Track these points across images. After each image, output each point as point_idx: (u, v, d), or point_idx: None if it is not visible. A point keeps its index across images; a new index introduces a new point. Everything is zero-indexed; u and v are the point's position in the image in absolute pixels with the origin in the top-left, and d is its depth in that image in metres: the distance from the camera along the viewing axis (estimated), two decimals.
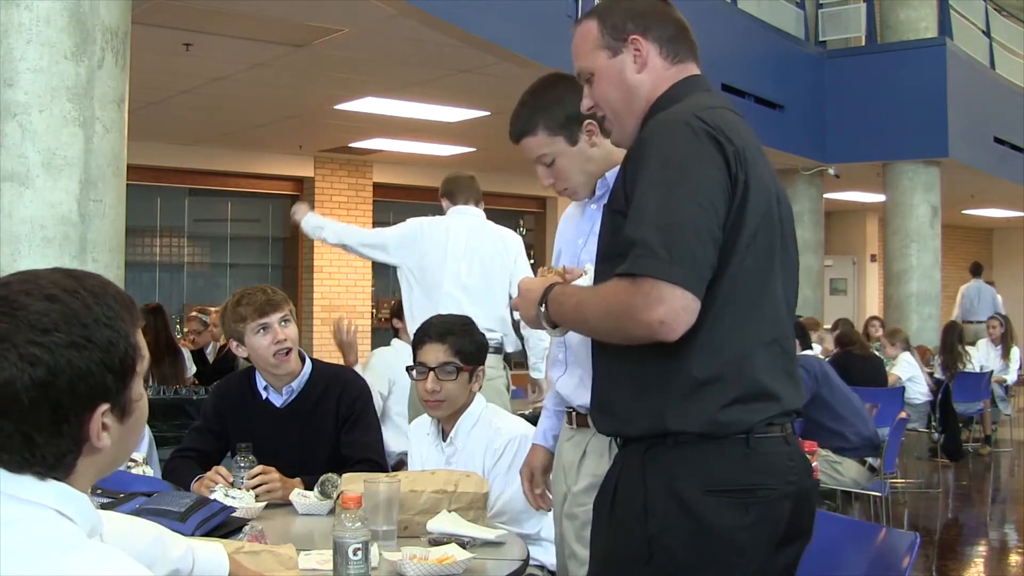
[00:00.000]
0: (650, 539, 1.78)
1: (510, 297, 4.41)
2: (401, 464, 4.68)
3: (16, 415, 1.17)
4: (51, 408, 1.18)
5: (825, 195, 11.82)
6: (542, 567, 2.92)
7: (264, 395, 3.13)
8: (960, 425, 9.01)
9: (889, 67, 10.74)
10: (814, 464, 2.10)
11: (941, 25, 11.02)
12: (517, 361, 5.19)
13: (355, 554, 1.89)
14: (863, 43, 11.36)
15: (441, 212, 4.80)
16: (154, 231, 11.46)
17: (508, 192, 11.96)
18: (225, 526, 2.39)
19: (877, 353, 8.57)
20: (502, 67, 7.17)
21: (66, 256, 3.84)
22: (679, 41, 2.00)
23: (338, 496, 2.27)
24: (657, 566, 1.78)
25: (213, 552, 1.74)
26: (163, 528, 1.73)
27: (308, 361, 3.15)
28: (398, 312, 5.75)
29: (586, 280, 2.05)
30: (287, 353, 3.04)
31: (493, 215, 4.90)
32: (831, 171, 11.14)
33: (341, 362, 5.01)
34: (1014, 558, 6.21)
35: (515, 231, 4.92)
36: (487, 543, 2.34)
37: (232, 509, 2.51)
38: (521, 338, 4.72)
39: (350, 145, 11.06)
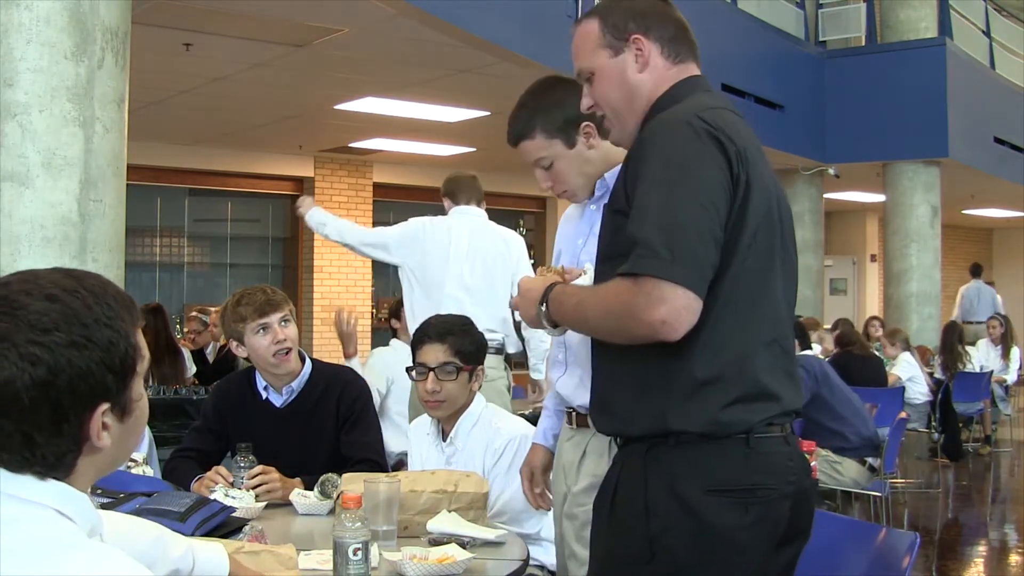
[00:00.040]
0: (651, 539, 1.78)
1: (511, 298, 4.41)
2: (400, 464, 4.68)
3: (16, 415, 1.17)
4: (51, 408, 1.18)
5: (825, 195, 11.82)
6: (542, 567, 2.92)
7: (264, 395, 3.13)
8: (960, 425, 9.01)
9: (889, 67, 10.74)
10: (813, 464, 2.11)
11: (941, 25, 11.02)
12: (517, 361, 5.19)
13: (355, 554, 1.89)
14: (863, 43, 11.36)
15: (442, 212, 4.80)
16: (154, 231, 11.46)
17: (508, 192, 11.96)
18: (225, 526, 2.39)
19: (877, 353, 8.57)
20: (502, 67, 7.17)
21: (66, 256, 3.84)
22: (680, 41, 2.00)
23: (338, 496, 2.27)
24: (658, 566, 1.78)
25: (213, 552, 1.74)
26: (163, 528, 1.73)
27: (308, 361, 3.15)
28: (396, 312, 5.76)
29: (586, 280, 2.06)
30: (287, 353, 3.04)
31: (493, 215, 4.90)
32: (831, 171, 11.14)
33: (341, 361, 5.02)
34: (1014, 558, 6.21)
35: (515, 231, 4.91)
36: (487, 543, 2.34)
37: (232, 509, 2.51)
38: (522, 339, 4.72)
39: (350, 145, 11.07)
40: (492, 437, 2.96)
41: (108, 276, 1.31)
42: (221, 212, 11.99)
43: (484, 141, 10.13)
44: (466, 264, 4.51)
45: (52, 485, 1.20)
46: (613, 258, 1.84)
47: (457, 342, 2.99)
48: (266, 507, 2.71)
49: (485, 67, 7.37)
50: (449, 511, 2.43)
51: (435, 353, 2.96)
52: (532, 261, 4.74)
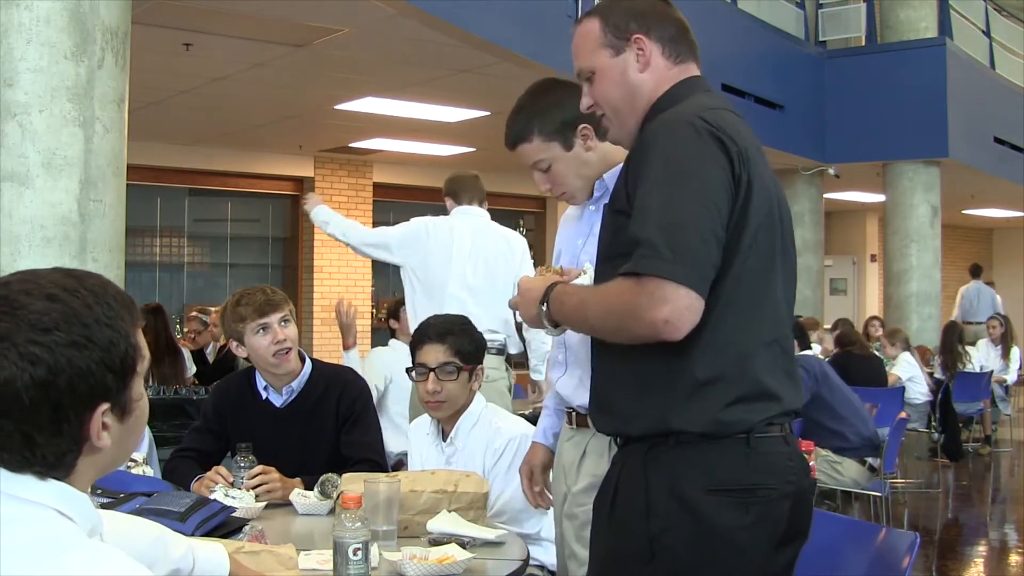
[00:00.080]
0: (652, 538, 1.78)
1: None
2: (400, 464, 4.68)
3: (16, 414, 1.17)
4: (51, 407, 1.18)
5: (825, 195, 11.82)
6: (542, 567, 2.92)
7: (264, 395, 3.13)
8: (960, 425, 9.01)
9: (889, 67, 10.74)
10: (811, 464, 2.11)
11: (941, 25, 11.02)
12: (517, 361, 5.19)
13: (355, 554, 1.89)
14: (863, 43, 11.36)
15: (443, 211, 4.79)
16: (154, 231, 11.46)
17: (508, 192, 11.95)
18: (225, 526, 2.39)
19: (877, 353, 8.57)
20: (502, 67, 7.17)
21: (66, 256, 3.84)
22: (680, 41, 2.00)
23: (338, 496, 2.27)
24: (659, 565, 1.78)
25: (214, 552, 1.74)
26: (164, 528, 1.73)
27: (308, 361, 3.15)
28: (395, 313, 5.76)
29: (585, 280, 2.06)
30: (287, 353, 3.04)
31: (493, 215, 4.89)
32: (831, 171, 11.14)
33: (341, 359, 5.02)
34: (1014, 558, 6.21)
35: (516, 231, 4.91)
36: (487, 543, 2.34)
37: (232, 509, 2.51)
38: (523, 340, 4.72)
39: (350, 145, 11.07)
40: (492, 437, 2.96)
41: (108, 276, 1.31)
42: (221, 212, 11.99)
43: (484, 141, 10.13)
44: (469, 264, 4.50)
45: (52, 485, 1.20)
46: (614, 258, 1.85)
47: (457, 342, 2.99)
48: (266, 507, 2.71)
49: (485, 67, 7.37)
50: (449, 511, 2.43)
51: (435, 353, 2.96)
52: (532, 261, 4.73)
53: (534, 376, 4.95)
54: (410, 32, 6.50)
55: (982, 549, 6.49)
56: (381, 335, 6.04)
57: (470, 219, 4.65)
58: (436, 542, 2.26)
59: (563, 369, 2.46)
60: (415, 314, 4.53)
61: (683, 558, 1.78)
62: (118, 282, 1.32)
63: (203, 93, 8.41)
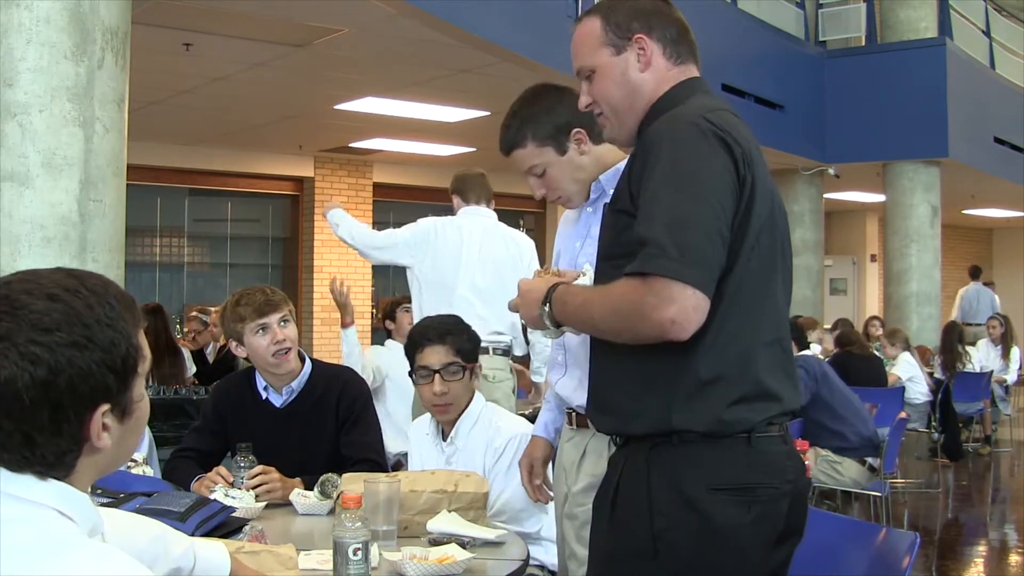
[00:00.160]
0: (655, 536, 1.78)
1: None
2: (399, 464, 4.69)
3: (16, 414, 1.17)
4: (51, 407, 1.18)
5: (825, 195, 11.81)
6: (542, 567, 2.92)
7: (264, 395, 3.13)
8: (960, 425, 9.01)
9: (889, 67, 10.74)
10: (807, 463, 2.12)
11: (941, 25, 11.02)
12: (517, 360, 5.19)
13: (355, 554, 1.89)
14: (863, 43, 11.36)
15: (445, 211, 4.78)
16: (154, 231, 11.46)
17: (508, 192, 11.93)
18: (225, 526, 2.39)
19: (877, 353, 8.57)
20: (502, 67, 7.17)
21: (66, 256, 3.84)
22: (681, 42, 2.01)
23: (338, 496, 2.27)
24: (661, 563, 1.79)
25: (214, 551, 1.74)
26: (165, 526, 1.72)
27: (308, 361, 3.15)
28: (391, 314, 5.76)
29: (585, 282, 2.06)
30: (286, 353, 3.04)
31: None
32: (831, 171, 11.14)
33: (340, 359, 5.02)
34: (1014, 558, 6.21)
35: (522, 233, 4.91)
36: (487, 543, 2.34)
37: (232, 509, 2.51)
38: (528, 342, 4.71)
39: (350, 145, 11.07)
40: (492, 436, 2.96)
41: (108, 276, 1.31)
42: (221, 212, 11.99)
43: (484, 141, 10.12)
44: (478, 266, 4.49)
45: (52, 485, 1.20)
46: (616, 257, 1.85)
47: (457, 341, 3.00)
48: (266, 507, 2.71)
49: (485, 67, 7.38)
50: (449, 511, 2.43)
51: (438, 355, 2.96)
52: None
53: (535, 378, 4.95)
54: (410, 32, 6.50)
55: (982, 549, 6.49)
56: (381, 336, 6.04)
57: (479, 220, 4.64)
58: (436, 542, 2.26)
59: (563, 370, 2.46)
60: (422, 315, 4.52)
61: (685, 556, 1.78)
62: (118, 282, 1.31)
63: (203, 93, 8.41)
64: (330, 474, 2.72)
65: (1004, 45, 12.73)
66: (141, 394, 1.28)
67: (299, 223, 12.24)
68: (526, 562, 2.27)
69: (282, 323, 3.05)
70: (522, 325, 4.49)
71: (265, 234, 12.32)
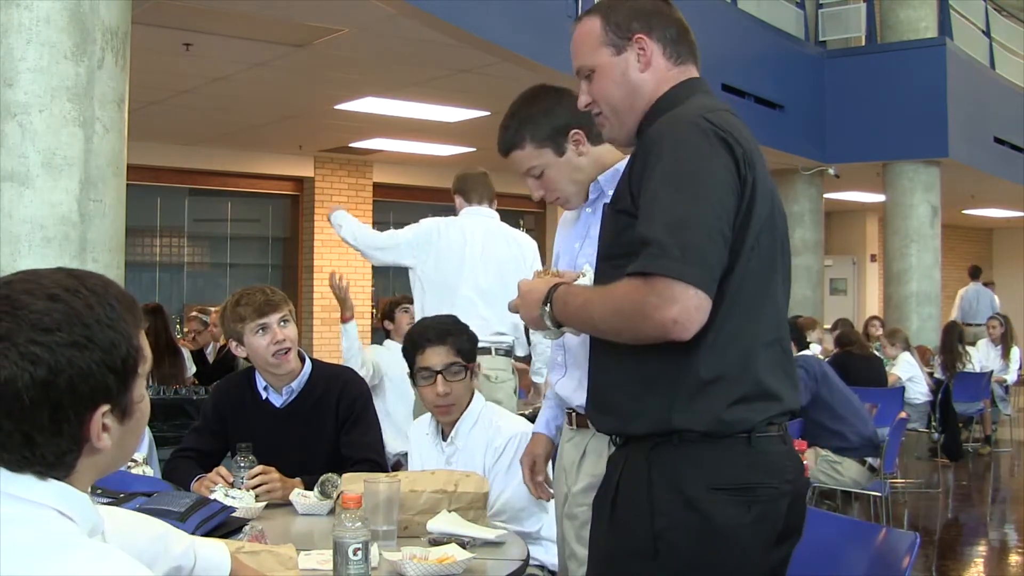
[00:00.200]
0: (655, 536, 1.78)
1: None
2: (398, 464, 4.68)
3: (16, 414, 1.17)
4: (51, 408, 1.18)
5: (825, 195, 11.81)
6: (542, 567, 2.92)
7: (264, 395, 3.13)
8: (960, 425, 9.01)
9: (889, 67, 10.74)
10: (805, 463, 2.12)
11: (941, 25, 11.02)
12: (518, 360, 5.19)
13: (355, 554, 1.89)
14: (863, 43, 11.35)
15: (445, 212, 4.77)
16: (154, 231, 11.46)
17: (508, 192, 11.90)
18: (225, 526, 2.39)
19: (877, 353, 8.57)
20: (502, 67, 7.17)
21: (66, 256, 3.84)
22: (681, 42, 2.01)
23: (338, 496, 2.27)
24: (661, 563, 1.79)
25: (215, 550, 1.74)
26: (165, 525, 1.72)
27: (308, 361, 3.15)
28: (389, 314, 5.76)
29: (585, 282, 2.06)
30: (286, 353, 3.04)
31: None
32: (831, 171, 11.14)
33: (340, 359, 5.02)
34: (1014, 558, 6.21)
35: (525, 233, 4.90)
36: (487, 543, 2.34)
37: (232, 509, 2.51)
38: (530, 343, 4.71)
39: (350, 145, 11.07)
40: (493, 436, 2.96)
41: (108, 276, 1.31)
42: (221, 212, 12.00)
43: (484, 141, 10.10)
44: (480, 267, 4.48)
45: (52, 485, 1.20)
46: (616, 257, 1.85)
47: (457, 341, 3.00)
48: (266, 507, 2.71)
49: (485, 67, 7.38)
50: (449, 511, 2.43)
51: (439, 355, 2.96)
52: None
53: (535, 379, 4.95)
54: (410, 32, 6.50)
55: (982, 549, 6.49)
56: (381, 336, 6.04)
57: (481, 221, 4.63)
58: (436, 542, 2.26)
59: (563, 371, 2.46)
60: (424, 316, 4.52)
61: (686, 556, 1.78)
62: (118, 282, 1.31)
63: (203, 93, 8.41)
64: (330, 474, 2.72)
65: (1004, 45, 12.73)
66: (142, 395, 1.28)
67: (299, 223, 12.24)
68: (526, 562, 2.28)
69: (282, 323, 3.05)
70: (524, 326, 4.49)
71: (265, 234, 12.32)
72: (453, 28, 6.30)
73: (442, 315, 3.24)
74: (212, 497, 2.59)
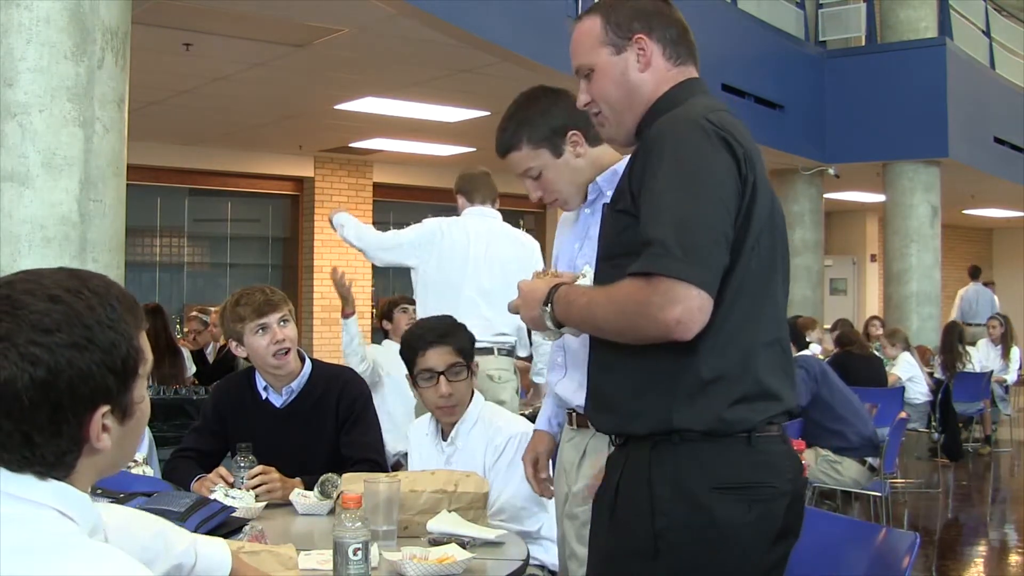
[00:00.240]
0: (656, 535, 1.78)
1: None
2: (399, 465, 4.68)
3: (16, 415, 1.17)
4: (51, 408, 1.18)
5: (825, 195, 11.81)
6: (542, 567, 2.92)
7: (264, 395, 3.13)
8: (960, 425, 9.01)
9: (889, 67, 10.74)
10: (804, 463, 2.13)
11: (941, 25, 11.02)
12: (520, 360, 5.19)
13: (355, 554, 1.89)
14: (863, 43, 11.36)
15: (445, 211, 4.77)
16: (154, 231, 11.46)
17: (509, 192, 11.91)
18: (225, 526, 2.39)
19: (877, 353, 8.57)
20: (502, 67, 7.17)
21: (66, 256, 3.84)
22: (681, 43, 2.01)
23: (338, 496, 2.27)
24: (662, 562, 1.79)
25: (216, 548, 1.74)
26: (166, 522, 1.72)
27: (308, 361, 3.15)
28: (388, 314, 5.76)
29: (585, 283, 2.06)
30: (286, 353, 3.04)
31: None
32: (831, 171, 11.14)
33: (341, 359, 5.02)
34: (1014, 558, 6.21)
35: (528, 234, 4.90)
36: (487, 543, 2.34)
37: (232, 509, 2.51)
38: (531, 343, 4.71)
39: (350, 145, 11.07)
40: (493, 435, 2.96)
41: (108, 276, 1.31)
42: (221, 212, 12.00)
43: (484, 141, 10.06)
44: (484, 267, 4.47)
45: (52, 485, 1.20)
46: (616, 257, 1.85)
47: (457, 341, 3.00)
48: (266, 507, 2.71)
49: (485, 67, 7.38)
50: (449, 511, 2.43)
51: (441, 356, 2.95)
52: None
53: (536, 379, 4.95)
54: (410, 32, 6.50)
55: (982, 549, 6.49)
56: (380, 336, 6.04)
57: (485, 221, 4.62)
58: (436, 542, 2.26)
59: (563, 372, 2.46)
60: (426, 316, 4.51)
61: (686, 555, 1.78)
62: (119, 282, 1.31)
63: (203, 93, 8.41)
64: (330, 474, 2.72)
65: (1004, 45, 12.73)
66: (142, 395, 1.28)
67: (299, 223, 12.24)
68: (526, 562, 2.28)
69: (282, 323, 3.05)
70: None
71: (265, 234, 12.33)
72: (453, 28, 6.30)
73: (438, 316, 3.23)
74: (212, 497, 2.59)
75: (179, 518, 2.27)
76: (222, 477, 2.82)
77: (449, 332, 3.01)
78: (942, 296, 11.26)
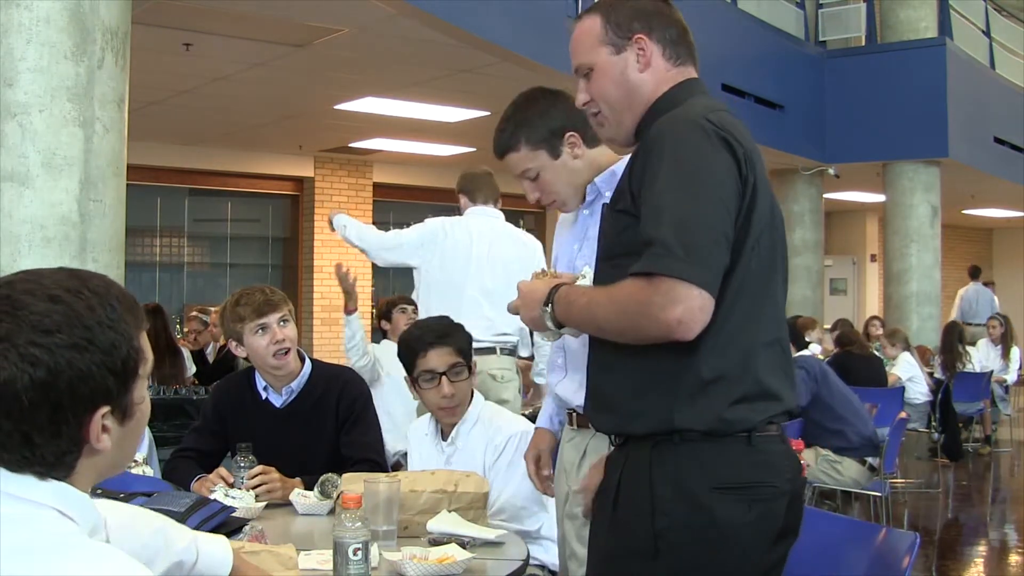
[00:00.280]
0: (656, 535, 1.78)
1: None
2: (399, 465, 4.68)
3: (16, 415, 1.17)
4: (51, 409, 1.18)
5: (825, 195, 11.81)
6: (543, 567, 2.92)
7: (264, 395, 3.13)
8: (960, 425, 9.01)
9: (889, 67, 10.74)
10: (803, 463, 2.14)
11: (941, 25, 11.02)
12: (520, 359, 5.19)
13: (355, 554, 1.89)
14: (863, 43, 11.36)
15: (445, 211, 4.76)
16: (154, 231, 11.46)
17: (509, 192, 11.92)
18: (225, 526, 2.39)
19: (877, 353, 8.57)
20: (502, 67, 7.17)
21: (66, 256, 3.84)
22: (681, 43, 2.01)
23: (338, 496, 2.27)
24: (662, 562, 1.79)
25: (217, 545, 1.73)
26: (168, 520, 1.72)
27: (308, 361, 3.15)
28: (387, 314, 5.76)
29: (584, 284, 2.06)
30: (286, 353, 3.04)
31: None
32: (831, 171, 11.14)
33: (342, 359, 5.02)
34: (1014, 558, 6.21)
35: (530, 234, 4.89)
36: (487, 543, 2.34)
37: (232, 509, 2.51)
38: (533, 343, 4.70)
39: (350, 145, 11.07)
40: (493, 435, 2.96)
41: (108, 276, 1.31)
42: (221, 212, 12.00)
43: (484, 141, 10.02)
44: (487, 267, 4.46)
45: (53, 485, 1.20)
46: (616, 257, 1.85)
47: (456, 341, 3.00)
48: (266, 507, 2.71)
49: (485, 67, 7.38)
50: (449, 511, 2.43)
51: (441, 357, 2.95)
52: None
53: (537, 380, 4.95)
54: (410, 32, 6.50)
55: (982, 549, 6.49)
56: (378, 336, 6.04)
57: (487, 221, 4.62)
58: (436, 542, 2.26)
59: (563, 373, 2.46)
60: (429, 315, 4.51)
61: (686, 555, 1.78)
62: (118, 282, 1.31)
63: (203, 93, 8.41)
64: (330, 474, 2.72)
65: (1004, 45, 12.73)
66: (142, 396, 1.28)
67: (299, 223, 12.24)
68: (526, 562, 2.28)
69: (281, 323, 3.05)
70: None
71: (265, 234, 12.33)
72: (453, 28, 6.30)
73: (435, 317, 3.23)
74: (212, 497, 2.59)
75: (179, 518, 2.27)
76: (222, 478, 2.82)
77: (448, 332, 3.01)
78: (942, 296, 11.27)
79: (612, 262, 1.87)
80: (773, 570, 1.87)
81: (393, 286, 11.90)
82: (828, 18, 11.27)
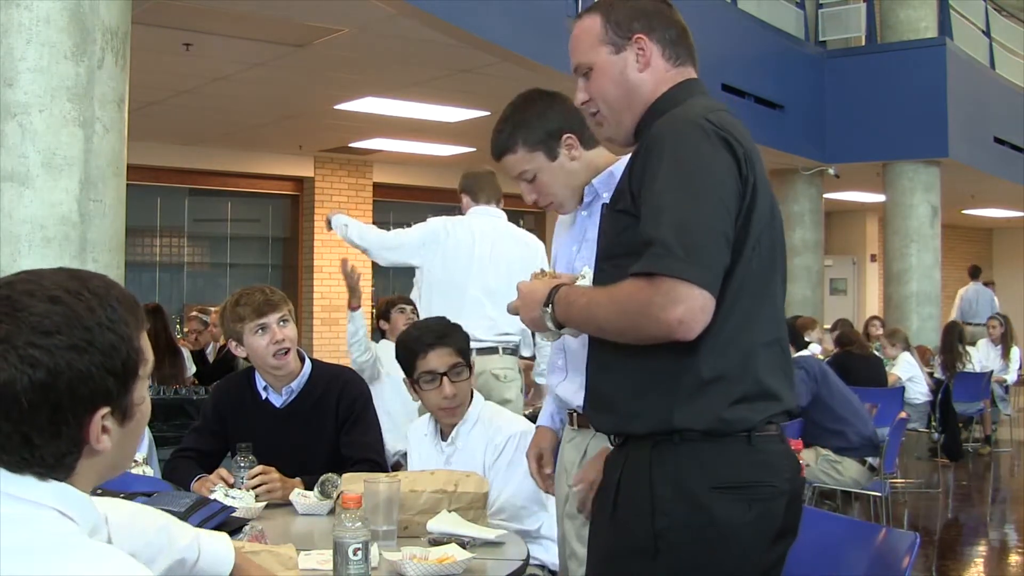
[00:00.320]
0: (656, 535, 1.79)
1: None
2: (398, 465, 4.68)
3: (15, 416, 1.17)
4: (50, 410, 1.17)
5: (825, 195, 11.81)
6: (543, 566, 2.92)
7: (264, 395, 3.13)
8: (960, 425, 9.01)
9: (889, 67, 10.74)
10: (803, 463, 2.14)
11: (941, 25, 11.02)
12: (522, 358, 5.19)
13: (355, 554, 1.89)
14: (863, 43, 11.36)
15: (445, 211, 4.76)
16: (154, 231, 11.46)
17: (509, 192, 11.94)
18: (225, 526, 2.39)
19: (877, 353, 8.57)
20: (502, 67, 7.17)
21: (66, 256, 3.84)
22: (680, 44, 2.01)
23: (338, 496, 2.27)
24: (662, 562, 1.79)
25: (219, 543, 1.73)
26: (170, 517, 1.72)
27: (308, 361, 3.15)
28: (385, 314, 5.76)
29: (584, 284, 2.06)
30: (286, 353, 3.04)
31: None
32: (831, 171, 11.14)
33: (344, 359, 5.02)
34: (1014, 558, 6.21)
35: (532, 234, 4.89)
36: (487, 543, 2.34)
37: (232, 509, 2.51)
38: (535, 343, 4.70)
39: (350, 145, 11.07)
40: (493, 434, 2.96)
41: (108, 276, 1.31)
42: (221, 212, 12.00)
43: (484, 141, 9.94)
44: (490, 267, 4.46)
45: (53, 485, 1.20)
46: (616, 257, 1.85)
47: (456, 341, 3.00)
48: (266, 507, 2.71)
49: (485, 67, 7.38)
50: (449, 511, 2.43)
51: (442, 357, 2.95)
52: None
53: (538, 380, 4.95)
54: (410, 32, 6.50)
55: (982, 549, 6.49)
56: (377, 336, 6.04)
57: (490, 220, 4.62)
58: (436, 542, 2.26)
59: (563, 374, 2.46)
60: (430, 315, 4.50)
61: (686, 555, 1.79)
62: (118, 282, 1.31)
63: (203, 93, 8.41)
64: (330, 474, 2.72)
65: (1004, 45, 12.73)
66: (142, 396, 1.28)
67: (299, 223, 12.24)
68: (526, 562, 2.28)
69: (281, 323, 3.05)
70: None
71: (265, 234, 12.33)
72: (453, 28, 6.30)
73: (433, 317, 3.23)
74: (212, 497, 2.59)
75: (179, 518, 2.26)
76: (222, 478, 2.82)
77: (447, 333, 3.01)
78: (942, 296, 11.27)
79: (612, 262, 1.88)
80: (772, 569, 1.88)
81: (393, 286, 11.90)
82: (828, 18, 11.27)
